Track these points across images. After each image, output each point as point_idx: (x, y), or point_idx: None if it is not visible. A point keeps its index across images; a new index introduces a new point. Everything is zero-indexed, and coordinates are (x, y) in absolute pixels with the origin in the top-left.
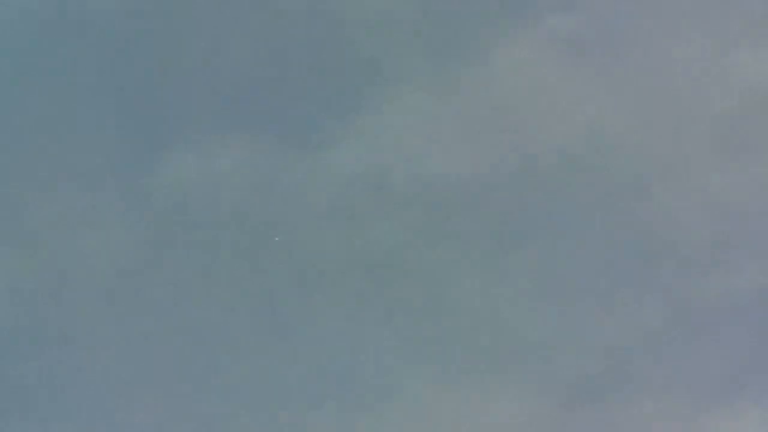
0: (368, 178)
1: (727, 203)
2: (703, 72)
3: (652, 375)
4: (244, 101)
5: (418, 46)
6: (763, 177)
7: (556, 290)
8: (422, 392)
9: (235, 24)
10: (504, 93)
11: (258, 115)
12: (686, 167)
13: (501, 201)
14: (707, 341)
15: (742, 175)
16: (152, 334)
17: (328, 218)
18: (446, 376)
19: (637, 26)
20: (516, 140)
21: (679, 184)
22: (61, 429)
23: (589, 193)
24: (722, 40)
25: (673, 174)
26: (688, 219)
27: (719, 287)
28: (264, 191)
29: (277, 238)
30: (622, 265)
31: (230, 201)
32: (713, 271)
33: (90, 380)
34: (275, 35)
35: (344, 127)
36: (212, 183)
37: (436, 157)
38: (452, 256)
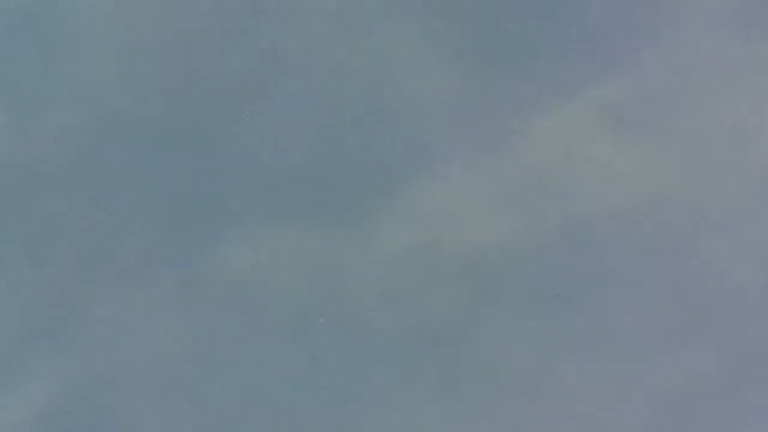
0: (415, 254)
1: None
2: (742, 129)
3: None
4: (287, 187)
5: (457, 122)
6: None
7: (608, 348)
8: None
9: (274, 112)
10: (543, 162)
11: (303, 200)
12: (732, 220)
13: (548, 264)
14: (763, 393)
15: None
16: (208, 419)
17: (377, 296)
18: None
19: (675, 89)
20: (558, 205)
21: (727, 238)
22: None
23: (635, 250)
24: (760, 97)
25: (720, 228)
26: (738, 270)
27: None
28: (312, 274)
29: (321, 320)
30: (671, 320)
31: (279, 287)
32: (766, 321)
33: None
34: (313, 118)
35: (388, 206)
36: (261, 270)
37: (480, 227)
38: (503, 323)
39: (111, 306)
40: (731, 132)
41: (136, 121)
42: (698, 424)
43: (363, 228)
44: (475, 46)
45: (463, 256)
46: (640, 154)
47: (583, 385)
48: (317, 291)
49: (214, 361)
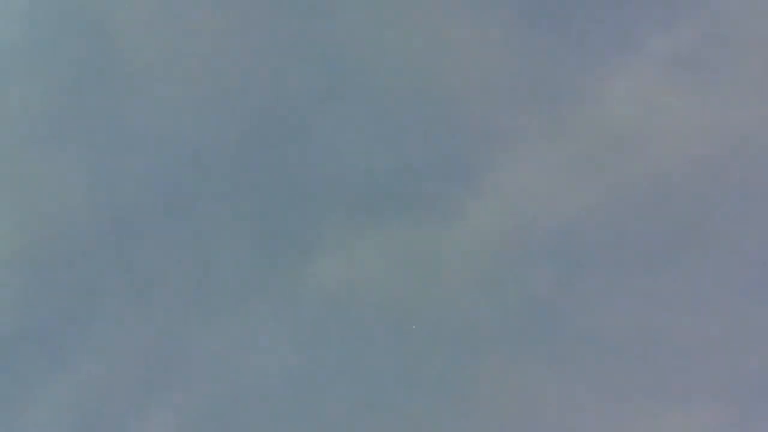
0: (508, 237)
1: None
2: None
3: None
4: (371, 190)
5: (528, 96)
6: None
7: (715, 303)
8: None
9: (351, 118)
10: (621, 121)
11: (390, 201)
12: None
13: (642, 223)
14: None
15: None
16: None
17: (476, 286)
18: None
19: (749, 32)
20: (642, 163)
21: None
22: None
23: (727, 198)
24: None
25: None
26: None
27: None
28: (410, 271)
29: (414, 326)
30: None
31: (378, 290)
32: None
33: None
34: (385, 119)
35: (474, 193)
36: (356, 278)
37: (568, 198)
38: (607, 288)
39: (217, 339)
40: None
41: (215, 156)
42: None
43: (452, 220)
44: (531, 13)
45: (556, 229)
46: (718, 101)
47: (694, 342)
48: (416, 290)
49: (321, 376)
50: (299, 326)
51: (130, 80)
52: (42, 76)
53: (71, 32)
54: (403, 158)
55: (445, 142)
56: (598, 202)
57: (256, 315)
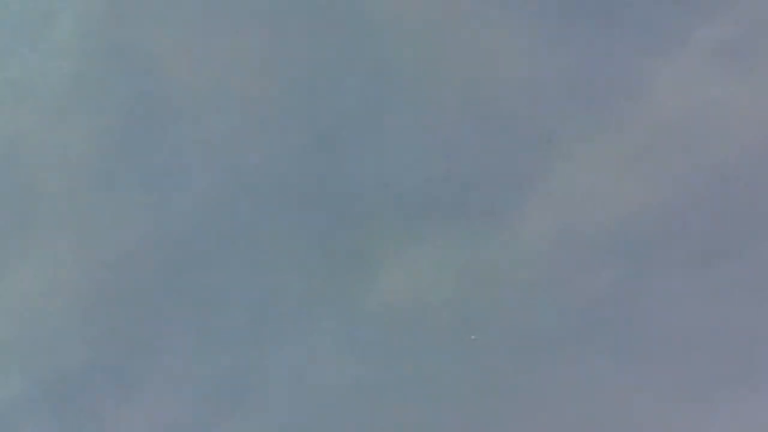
0: (563, 238)
1: None
2: None
3: None
4: (427, 202)
5: (572, 93)
6: None
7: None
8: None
9: (402, 129)
10: (667, 114)
11: (445, 211)
12: None
13: (699, 216)
14: None
15: None
16: None
17: (531, 289)
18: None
19: None
20: (692, 155)
21: None
22: None
23: None
24: None
25: None
26: None
27: None
28: (470, 280)
29: (473, 337)
30: None
31: (438, 302)
32: None
33: None
34: (438, 128)
35: (529, 197)
36: (416, 289)
37: (621, 196)
38: (669, 285)
39: (285, 360)
40: None
41: (269, 176)
42: None
43: (511, 226)
44: (573, 12)
45: (612, 228)
46: (763, 88)
47: (763, 335)
48: (478, 298)
49: (387, 388)
50: (364, 340)
51: (179, 110)
52: (91, 112)
53: (120, 67)
54: (458, 166)
55: (497, 147)
56: (657, 198)
57: (321, 332)
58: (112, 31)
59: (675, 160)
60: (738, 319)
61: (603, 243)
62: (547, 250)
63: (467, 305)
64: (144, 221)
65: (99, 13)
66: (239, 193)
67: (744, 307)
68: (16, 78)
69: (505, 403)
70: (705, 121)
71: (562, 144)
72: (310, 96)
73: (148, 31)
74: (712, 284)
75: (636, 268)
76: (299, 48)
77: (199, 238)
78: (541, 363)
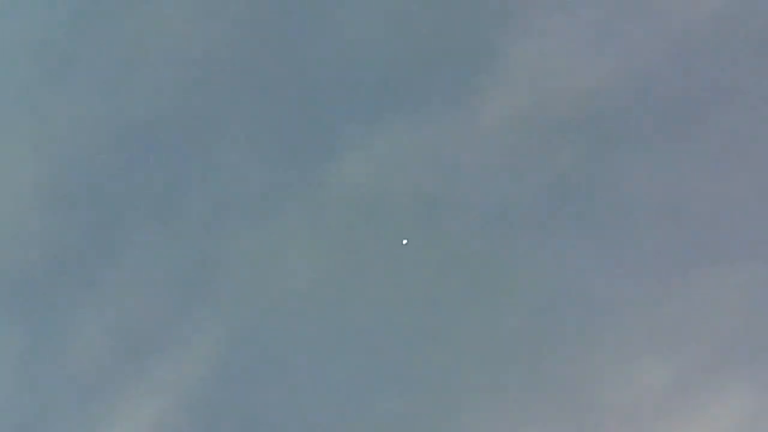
0: (528, 116)
1: None
2: None
3: None
4: (387, 82)
5: None
6: None
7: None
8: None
9: (363, 7)
10: None
11: (406, 91)
12: None
13: (663, 88)
14: None
15: None
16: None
17: (500, 165)
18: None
19: None
20: (658, 24)
21: None
22: None
23: (744, 53)
24: None
25: None
26: None
27: None
28: (434, 160)
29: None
30: None
31: (401, 183)
32: None
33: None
34: (398, 6)
35: (490, 75)
36: (379, 171)
37: (587, 70)
38: (632, 159)
39: (247, 247)
40: None
41: (225, 58)
42: None
43: (472, 104)
44: None
45: (576, 104)
46: None
47: (725, 205)
48: (441, 178)
49: (350, 273)
50: (327, 224)
51: (136, 2)
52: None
53: None
54: (417, 45)
55: (458, 25)
56: (618, 69)
57: (283, 218)
58: None
59: (636, 30)
60: (702, 191)
61: (568, 118)
62: (512, 129)
63: (431, 189)
64: (100, 115)
65: None
66: (196, 83)
67: (708, 180)
68: None
69: (472, 283)
70: None
71: (520, 21)
72: None
73: None
74: (675, 154)
75: (600, 142)
76: None
77: (157, 129)
78: (506, 240)
